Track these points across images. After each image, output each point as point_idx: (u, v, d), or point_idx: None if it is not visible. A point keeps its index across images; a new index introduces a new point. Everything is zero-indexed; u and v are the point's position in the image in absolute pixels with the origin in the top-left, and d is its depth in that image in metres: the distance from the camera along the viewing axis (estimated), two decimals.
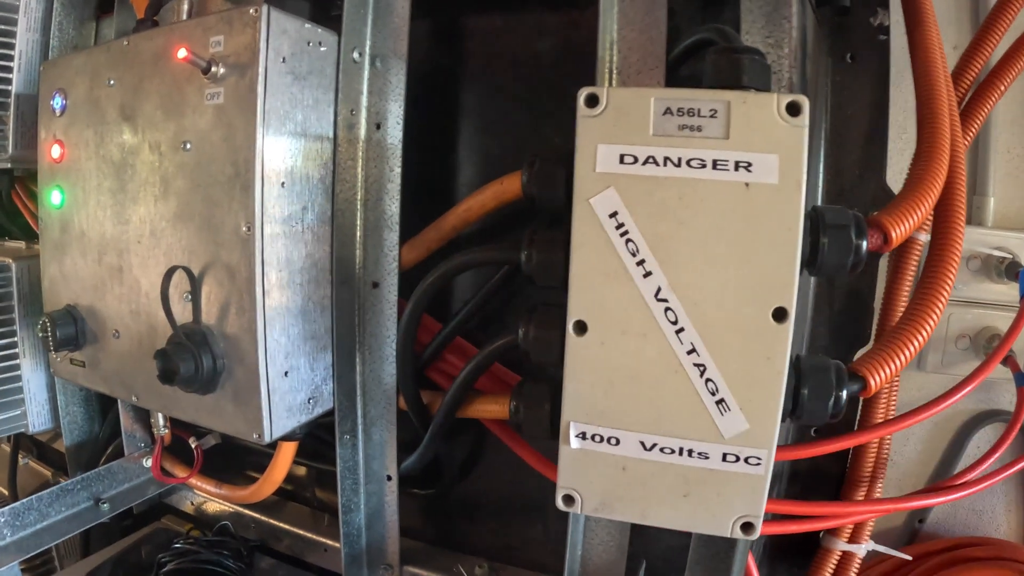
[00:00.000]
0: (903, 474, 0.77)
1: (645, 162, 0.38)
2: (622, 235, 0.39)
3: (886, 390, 0.63)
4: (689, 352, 0.39)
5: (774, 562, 0.68)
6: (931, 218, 0.55)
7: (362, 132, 0.57)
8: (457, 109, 0.62)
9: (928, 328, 0.49)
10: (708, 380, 0.39)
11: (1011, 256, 0.69)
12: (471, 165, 0.62)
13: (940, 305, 0.50)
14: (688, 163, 0.38)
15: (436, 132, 0.63)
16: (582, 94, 0.39)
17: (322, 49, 0.56)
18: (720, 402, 0.39)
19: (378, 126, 0.57)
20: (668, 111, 0.38)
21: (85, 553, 0.81)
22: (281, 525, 0.71)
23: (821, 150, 0.60)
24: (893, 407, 0.64)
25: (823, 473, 0.66)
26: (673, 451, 0.41)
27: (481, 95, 0.62)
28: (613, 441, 0.41)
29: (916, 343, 0.48)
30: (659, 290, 0.39)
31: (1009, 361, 0.68)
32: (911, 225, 0.48)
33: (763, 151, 0.38)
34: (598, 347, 0.40)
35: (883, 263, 0.65)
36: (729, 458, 0.40)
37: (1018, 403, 0.66)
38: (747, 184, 0.38)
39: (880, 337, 0.53)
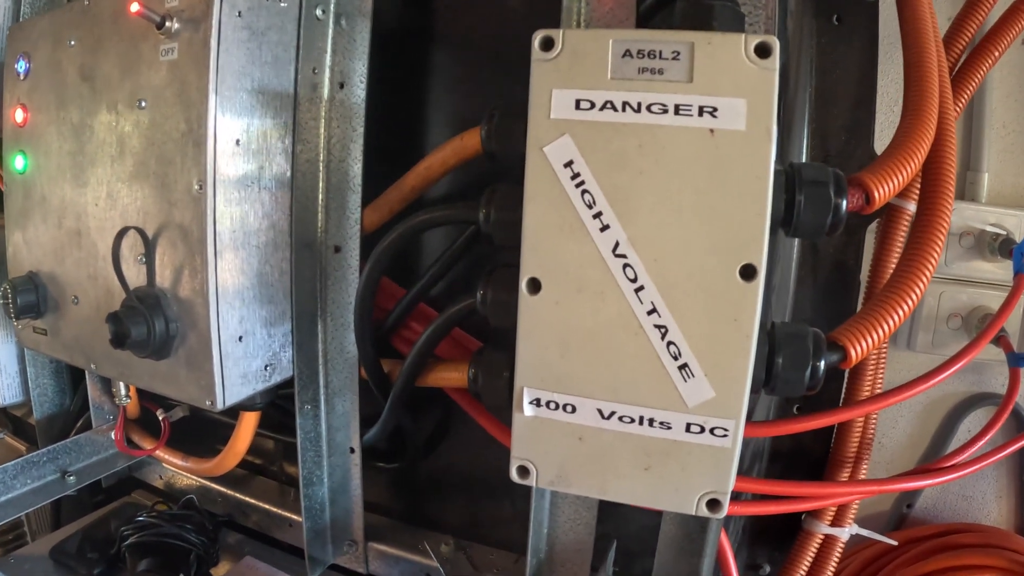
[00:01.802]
0: (891, 458, 0.75)
1: (603, 107, 0.36)
2: (578, 186, 0.36)
3: (872, 366, 0.61)
4: (649, 312, 0.37)
5: (754, 544, 0.66)
6: (919, 187, 0.53)
7: (325, 92, 0.55)
8: (424, 67, 0.60)
9: (914, 297, 0.46)
10: (670, 343, 0.37)
11: (1005, 232, 0.66)
12: (439, 124, 0.60)
13: (927, 273, 0.47)
14: (648, 108, 0.35)
15: (403, 91, 0.60)
16: (537, 36, 0.37)
17: (282, 5, 0.54)
18: (683, 367, 0.37)
19: (341, 85, 0.55)
20: (627, 53, 0.36)
21: (56, 526, 0.80)
22: (247, 499, 0.69)
23: (806, 113, 0.58)
24: (880, 384, 0.62)
25: (806, 453, 0.64)
26: (633, 420, 0.38)
27: (449, 52, 0.59)
28: (569, 408, 0.39)
29: (900, 312, 0.46)
30: (617, 245, 0.36)
31: (1001, 341, 0.65)
32: (895, 185, 0.45)
33: (729, 95, 0.35)
34: (553, 306, 0.38)
35: (870, 235, 0.62)
36: (693, 428, 0.38)
37: (1010, 384, 0.63)
38: (712, 131, 0.35)
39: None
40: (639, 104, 0.36)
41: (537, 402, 0.39)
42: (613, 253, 0.36)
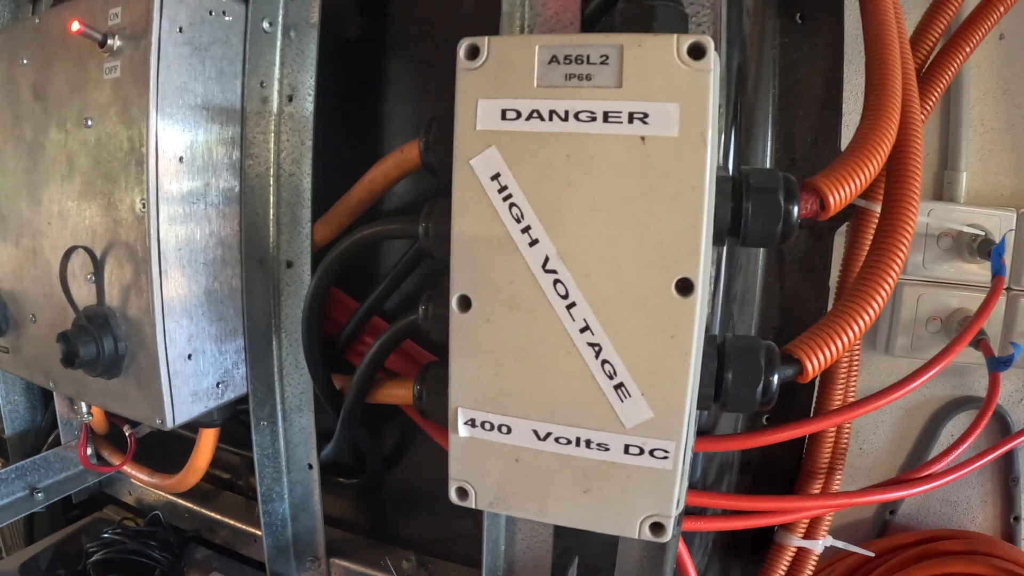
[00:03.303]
0: (873, 464, 0.73)
1: (529, 117, 0.35)
2: (505, 199, 0.35)
3: (843, 374, 0.59)
4: (582, 330, 0.35)
5: (726, 558, 0.65)
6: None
7: (274, 105, 0.54)
8: (377, 77, 0.59)
9: (876, 305, 0.45)
10: (605, 362, 0.35)
11: (984, 233, 0.64)
12: (393, 135, 0.59)
13: (890, 280, 0.46)
14: (576, 116, 0.34)
15: (356, 103, 0.59)
16: (462, 45, 0.36)
17: (227, 19, 0.53)
18: (619, 387, 0.36)
19: (290, 98, 0.54)
20: (554, 59, 0.34)
21: (29, 542, 0.80)
22: (213, 515, 0.68)
23: (769, 116, 0.56)
24: (852, 392, 0.60)
25: (777, 464, 0.62)
26: (570, 441, 0.37)
27: (401, 62, 0.58)
28: (504, 429, 0.38)
29: (861, 322, 0.44)
30: (547, 260, 0.35)
31: (981, 344, 0.63)
32: (852, 189, 0.43)
33: (661, 100, 0.33)
34: (484, 324, 0.36)
35: (840, 239, 0.60)
36: (632, 450, 0.36)
37: (990, 389, 0.61)
38: (643, 138, 0.34)
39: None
40: (566, 112, 0.34)
41: (472, 422, 0.38)
42: (543, 268, 0.35)
